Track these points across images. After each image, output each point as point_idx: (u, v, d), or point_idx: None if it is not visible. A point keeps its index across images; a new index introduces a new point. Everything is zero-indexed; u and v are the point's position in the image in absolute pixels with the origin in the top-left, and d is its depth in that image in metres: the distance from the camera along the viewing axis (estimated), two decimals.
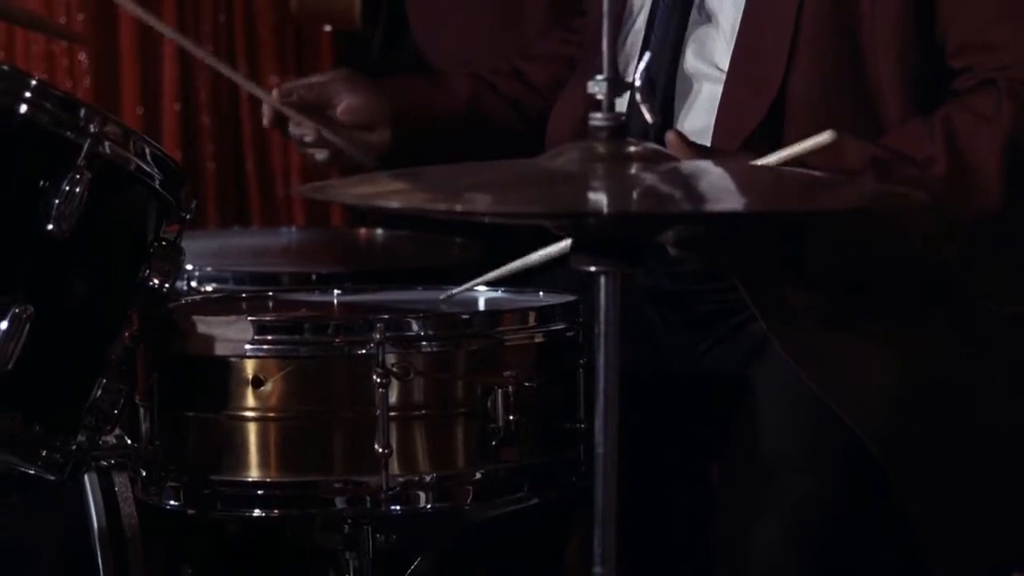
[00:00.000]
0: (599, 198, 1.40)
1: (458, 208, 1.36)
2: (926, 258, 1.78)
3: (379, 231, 2.65)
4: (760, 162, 1.69)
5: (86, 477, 1.97)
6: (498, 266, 1.92)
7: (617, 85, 1.40)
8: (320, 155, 2.21)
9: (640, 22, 1.99)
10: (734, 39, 1.89)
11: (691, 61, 1.92)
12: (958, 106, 1.85)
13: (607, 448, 1.46)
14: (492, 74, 2.27)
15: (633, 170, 1.43)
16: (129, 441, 1.94)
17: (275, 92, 2.27)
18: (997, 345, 1.85)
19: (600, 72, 1.43)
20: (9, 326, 1.60)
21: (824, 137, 1.67)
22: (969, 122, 1.83)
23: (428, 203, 1.42)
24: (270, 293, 2.03)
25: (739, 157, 1.71)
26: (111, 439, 1.92)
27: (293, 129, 2.20)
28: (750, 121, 1.82)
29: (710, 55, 1.93)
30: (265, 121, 2.28)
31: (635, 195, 1.40)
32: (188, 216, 1.79)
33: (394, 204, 1.40)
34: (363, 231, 2.69)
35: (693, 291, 1.95)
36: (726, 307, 1.93)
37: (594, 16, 2.09)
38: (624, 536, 1.45)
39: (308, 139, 2.16)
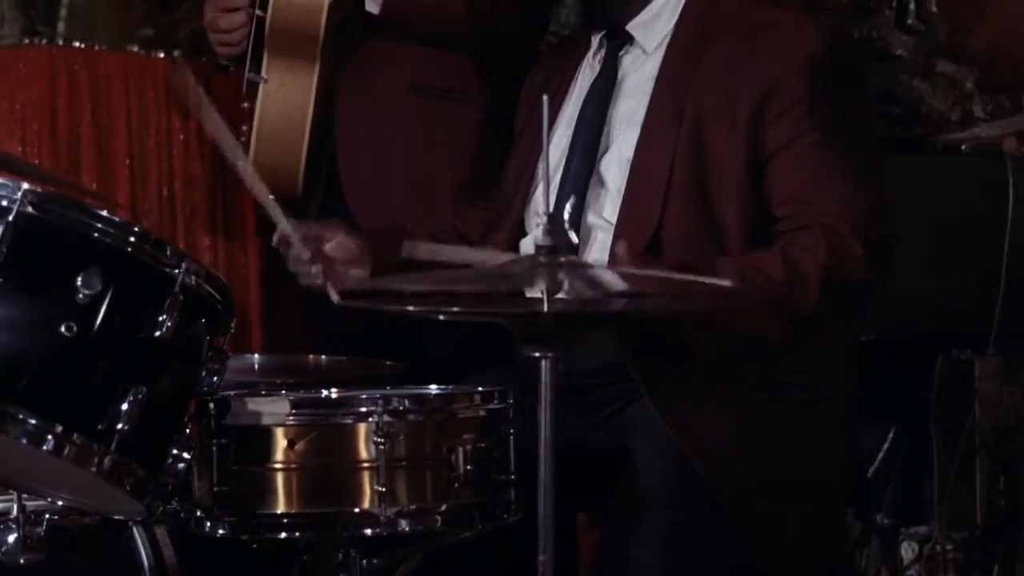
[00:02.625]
0: (541, 286, 2.24)
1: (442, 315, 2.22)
2: (766, 342, 2.65)
3: (323, 357, 3.31)
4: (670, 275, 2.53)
5: (134, 529, 2.74)
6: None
7: (554, 222, 2.24)
8: (308, 279, 2.90)
9: (539, 193, 2.87)
10: (620, 199, 2.75)
11: (590, 216, 2.77)
12: (789, 240, 2.72)
13: (547, 480, 2.29)
14: (440, 232, 3.07)
15: (564, 282, 2.27)
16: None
17: (290, 226, 2.92)
18: (818, 412, 2.74)
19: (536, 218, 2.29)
20: (131, 402, 2.38)
21: (724, 282, 2.51)
22: (798, 252, 2.70)
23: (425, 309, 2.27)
24: (283, 390, 2.82)
25: (660, 266, 2.55)
26: None
27: (294, 250, 2.88)
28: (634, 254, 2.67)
29: (600, 211, 2.79)
30: (274, 241, 2.95)
31: (565, 299, 2.24)
32: (232, 330, 2.58)
33: (410, 308, 2.24)
34: (311, 357, 3.33)
35: (582, 385, 2.77)
36: (606, 398, 2.76)
37: (508, 187, 3.00)
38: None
39: (304, 257, 2.85)
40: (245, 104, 3.60)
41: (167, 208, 4.13)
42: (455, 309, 2.32)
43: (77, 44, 4.34)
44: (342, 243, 2.92)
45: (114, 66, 4.22)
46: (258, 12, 3.52)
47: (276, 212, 2.98)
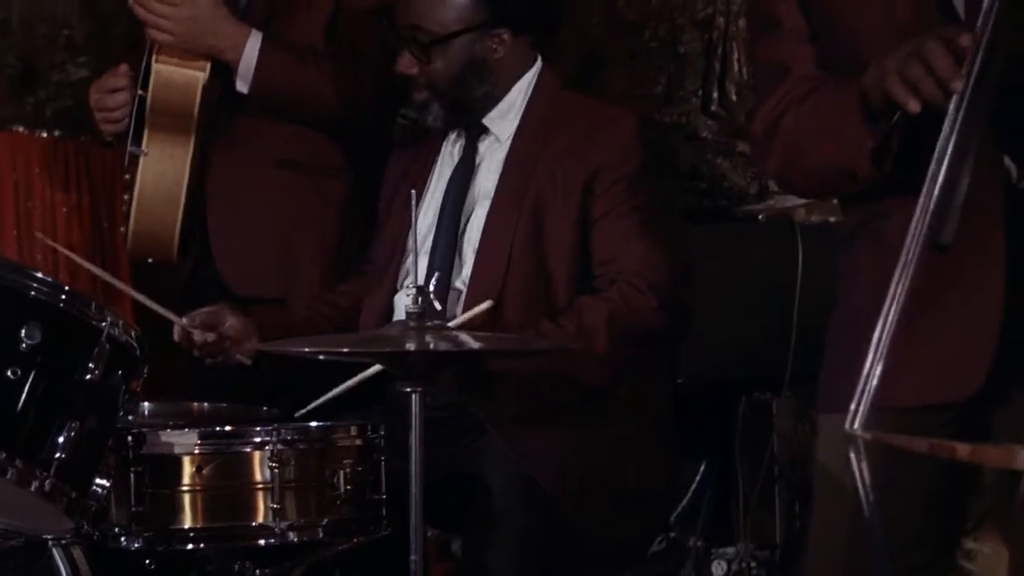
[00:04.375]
0: (411, 345, 2.73)
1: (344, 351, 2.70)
2: (579, 383, 3.16)
3: (206, 404, 3.51)
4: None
5: (54, 551, 3.14)
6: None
7: (422, 293, 2.74)
8: (213, 359, 3.33)
9: (410, 260, 3.31)
10: (472, 266, 3.23)
11: (456, 282, 3.24)
12: (587, 296, 3.19)
13: (417, 493, 2.77)
14: (316, 301, 3.48)
15: (427, 336, 2.77)
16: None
17: (185, 317, 3.30)
18: (640, 439, 3.25)
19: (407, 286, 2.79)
20: (67, 437, 2.80)
21: (484, 305, 3.02)
22: (587, 304, 3.17)
23: (323, 350, 2.75)
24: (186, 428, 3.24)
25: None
26: None
27: (197, 338, 3.28)
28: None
29: (463, 278, 3.26)
30: (176, 337, 3.30)
31: (431, 344, 2.74)
32: (145, 375, 3.01)
33: (306, 349, 2.72)
34: (195, 404, 3.52)
35: (439, 419, 3.24)
36: (460, 431, 3.22)
37: (380, 260, 3.42)
38: None
39: (211, 340, 3.28)
40: (127, 175, 3.77)
41: (51, 273, 4.44)
42: (344, 350, 2.80)
43: None
44: (233, 324, 3.31)
45: (2, 143, 4.52)
46: (140, 92, 3.67)
47: (168, 313, 3.31)
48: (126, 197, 3.76)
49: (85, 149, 4.58)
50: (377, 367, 2.97)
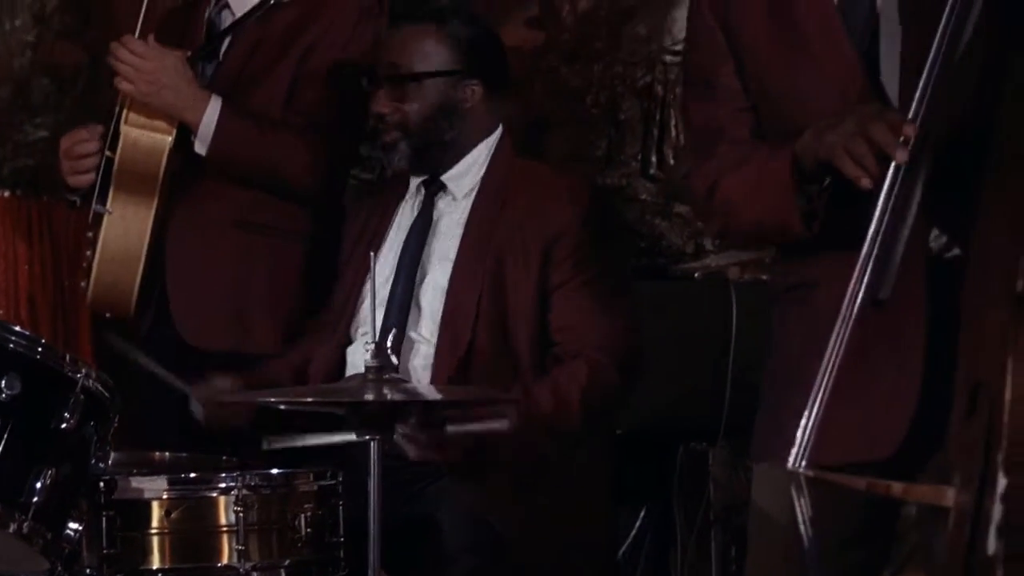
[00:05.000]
0: (370, 396, 2.91)
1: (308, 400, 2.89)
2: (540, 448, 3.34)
3: (167, 453, 3.61)
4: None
5: None
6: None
7: (380, 348, 2.92)
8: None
9: (365, 310, 3.46)
10: (436, 321, 3.37)
11: (411, 333, 3.40)
12: (558, 371, 3.36)
13: (376, 533, 2.95)
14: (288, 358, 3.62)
15: (385, 388, 2.95)
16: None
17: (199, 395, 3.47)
18: (583, 485, 3.44)
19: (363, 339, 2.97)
20: (43, 482, 2.95)
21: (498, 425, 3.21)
22: (564, 382, 3.34)
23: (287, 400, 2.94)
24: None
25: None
26: None
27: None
28: (451, 367, 3.34)
29: (418, 329, 3.42)
30: (203, 416, 3.48)
31: (388, 395, 2.92)
32: (116, 423, 3.17)
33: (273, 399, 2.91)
34: (157, 454, 3.60)
35: (396, 467, 3.41)
36: (414, 478, 3.38)
37: (336, 311, 3.58)
38: None
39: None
40: (90, 233, 3.85)
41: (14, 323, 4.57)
42: (308, 399, 2.98)
43: None
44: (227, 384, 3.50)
45: None
46: (108, 153, 3.76)
47: (183, 385, 3.51)
48: (88, 253, 3.85)
49: (48, 208, 4.73)
50: (350, 435, 3.12)
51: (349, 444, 3.24)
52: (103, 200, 3.79)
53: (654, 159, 4.61)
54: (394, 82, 3.53)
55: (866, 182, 2.44)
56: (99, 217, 3.81)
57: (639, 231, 4.59)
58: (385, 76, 3.55)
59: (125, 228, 3.78)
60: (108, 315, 3.88)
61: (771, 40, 2.71)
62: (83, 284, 3.89)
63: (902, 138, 2.41)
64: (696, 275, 4.43)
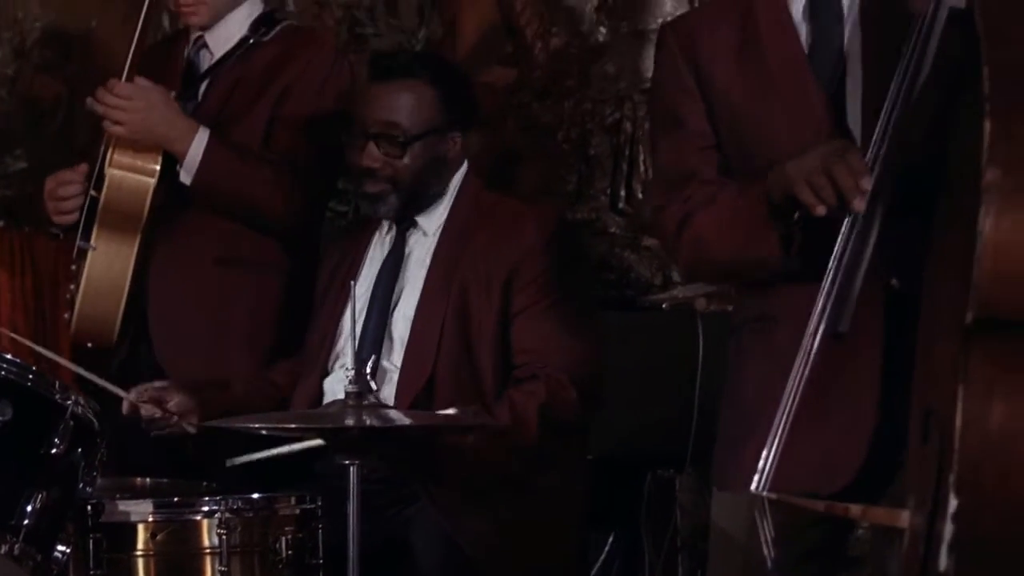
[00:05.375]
0: (350, 422, 3.03)
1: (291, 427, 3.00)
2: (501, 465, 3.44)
3: (148, 480, 3.68)
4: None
5: None
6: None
7: (359, 376, 3.04)
8: (159, 431, 3.57)
9: (341, 342, 3.59)
10: (404, 350, 3.50)
11: (384, 362, 3.51)
12: (516, 388, 3.44)
13: (354, 555, 3.05)
14: (256, 379, 3.71)
15: (364, 414, 3.07)
16: None
17: (132, 392, 3.52)
18: (554, 508, 3.52)
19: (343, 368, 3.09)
20: (34, 505, 3.05)
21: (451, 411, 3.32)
22: (520, 397, 3.43)
23: (270, 426, 3.05)
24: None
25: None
26: None
27: (144, 412, 3.52)
28: (414, 392, 3.45)
29: (391, 358, 3.52)
30: (124, 411, 3.51)
31: (367, 422, 3.04)
32: (104, 451, 3.27)
33: (255, 425, 3.02)
34: (139, 480, 3.66)
35: (372, 491, 3.51)
36: (390, 502, 3.49)
37: (314, 342, 3.67)
38: None
39: (157, 416, 3.53)
40: (73, 266, 3.94)
41: None
42: (292, 426, 3.09)
43: None
44: (178, 401, 3.57)
45: None
46: (93, 192, 3.86)
47: (115, 388, 3.54)
48: (72, 287, 3.95)
49: (30, 239, 4.81)
50: (318, 441, 3.24)
51: (327, 470, 3.38)
52: (87, 236, 3.89)
53: (623, 194, 4.65)
54: (390, 140, 3.61)
55: (821, 210, 2.57)
56: (83, 252, 3.90)
57: (608, 263, 4.64)
58: (379, 134, 3.62)
59: (108, 263, 3.87)
60: (89, 345, 3.96)
61: (742, 83, 2.84)
62: (66, 316, 3.98)
63: (860, 186, 2.54)
64: (664, 306, 4.47)
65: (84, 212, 3.92)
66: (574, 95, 4.71)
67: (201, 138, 3.84)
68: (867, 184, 2.55)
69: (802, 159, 2.62)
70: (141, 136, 3.83)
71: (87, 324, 3.91)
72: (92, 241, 3.88)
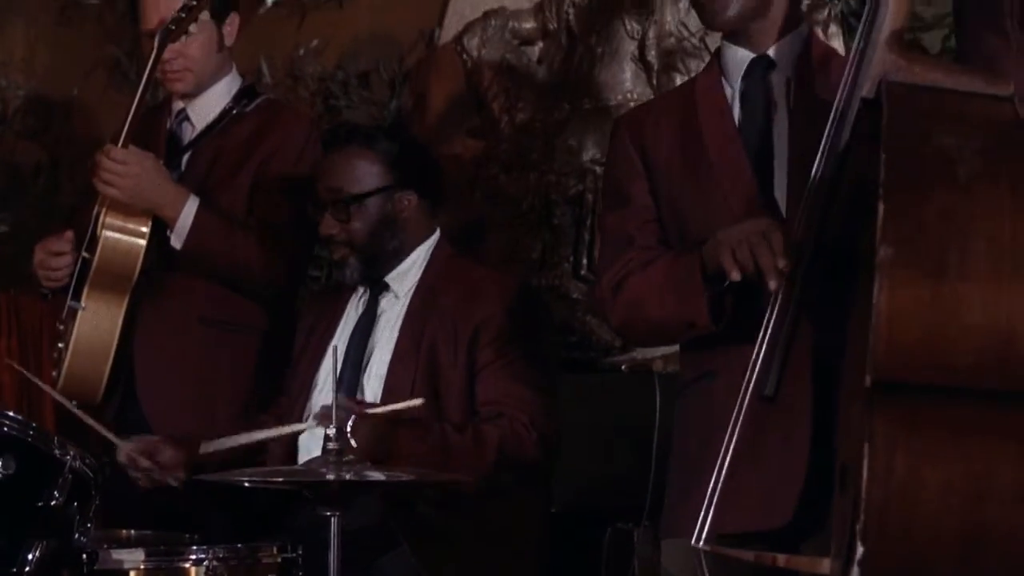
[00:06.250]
0: (331, 476, 3.31)
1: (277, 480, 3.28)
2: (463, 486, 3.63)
3: (132, 531, 3.85)
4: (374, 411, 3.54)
5: None
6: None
7: (340, 432, 3.31)
8: (146, 483, 3.81)
9: (316, 397, 3.88)
10: (382, 386, 3.74)
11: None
12: (481, 421, 3.67)
13: None
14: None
15: (343, 469, 3.34)
16: None
17: (129, 443, 3.72)
18: (518, 553, 3.76)
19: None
20: (34, 554, 3.28)
21: (416, 401, 3.56)
22: (482, 424, 3.66)
23: (257, 480, 3.34)
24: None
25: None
26: None
27: (141, 463, 3.75)
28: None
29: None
30: (120, 458, 3.74)
31: (347, 476, 3.32)
32: (98, 502, 3.52)
33: (244, 480, 3.30)
34: (124, 531, 3.83)
35: (349, 541, 3.77)
36: (366, 551, 3.70)
37: (292, 396, 3.94)
38: None
39: (148, 466, 3.77)
40: (61, 326, 4.14)
41: None
42: (280, 479, 3.35)
43: None
44: (170, 454, 3.82)
45: None
46: (84, 254, 4.06)
47: (113, 437, 3.73)
48: (60, 346, 4.13)
49: (15, 300, 5.09)
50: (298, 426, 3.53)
51: (303, 526, 3.64)
52: (77, 297, 4.08)
53: (585, 261, 4.74)
54: (337, 205, 3.91)
55: (736, 275, 2.87)
56: (73, 312, 4.08)
57: (571, 327, 4.73)
58: (329, 200, 3.92)
59: (97, 323, 4.05)
60: (74, 402, 4.04)
61: (681, 164, 3.18)
62: (54, 373, 4.17)
63: (779, 266, 2.83)
64: (623, 367, 4.61)
65: (75, 274, 4.11)
66: (539, 168, 4.88)
67: (191, 205, 4.06)
68: (784, 265, 2.83)
69: (731, 230, 2.93)
70: (133, 200, 4.05)
71: (75, 382, 4.08)
72: (82, 301, 4.06)
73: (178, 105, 4.34)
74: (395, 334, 3.87)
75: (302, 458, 3.89)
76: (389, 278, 3.96)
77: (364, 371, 3.88)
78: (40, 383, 3.97)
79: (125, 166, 4.03)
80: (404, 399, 3.70)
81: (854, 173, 2.85)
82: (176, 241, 4.06)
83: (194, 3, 4.11)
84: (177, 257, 4.09)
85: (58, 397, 3.91)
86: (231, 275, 4.11)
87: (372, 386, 3.87)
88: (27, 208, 5.84)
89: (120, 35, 5.72)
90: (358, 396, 3.83)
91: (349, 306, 4.01)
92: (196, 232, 4.06)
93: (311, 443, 3.85)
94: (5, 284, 5.32)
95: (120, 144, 4.09)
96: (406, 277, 3.96)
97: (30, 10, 5.98)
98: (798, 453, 2.94)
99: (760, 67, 3.20)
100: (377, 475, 3.32)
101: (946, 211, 2.51)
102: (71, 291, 4.12)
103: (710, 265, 2.99)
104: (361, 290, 4.00)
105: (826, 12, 4.40)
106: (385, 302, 3.96)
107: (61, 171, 5.90)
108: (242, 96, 4.32)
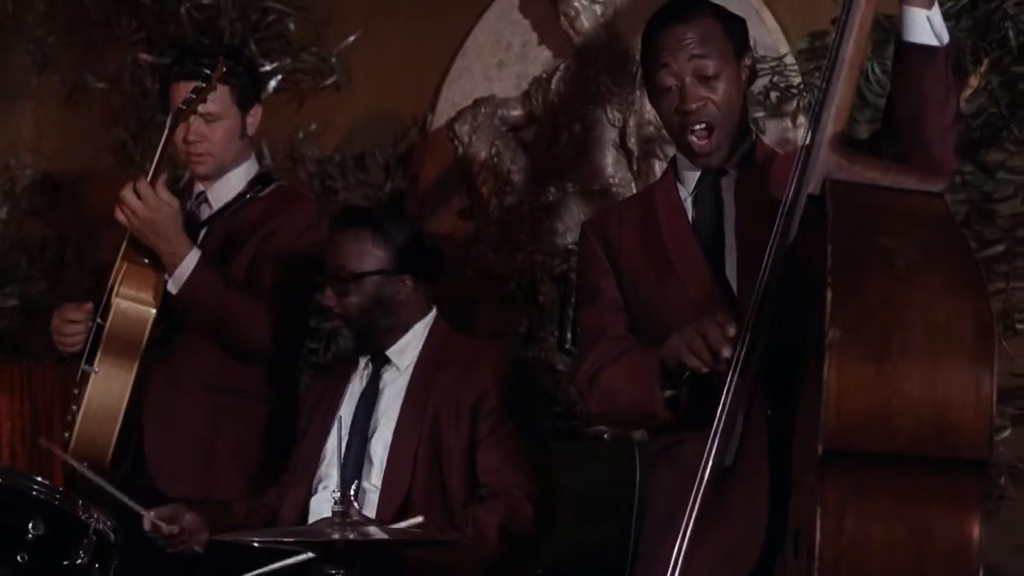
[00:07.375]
0: (336, 536, 3.59)
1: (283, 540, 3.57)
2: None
3: None
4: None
5: None
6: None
7: (345, 497, 3.60)
8: (172, 548, 3.98)
9: (324, 466, 4.13)
10: (383, 472, 3.96)
11: (364, 483, 3.99)
12: (480, 506, 3.90)
13: None
14: (254, 503, 4.16)
15: (348, 530, 3.63)
16: None
17: (152, 513, 3.89)
18: None
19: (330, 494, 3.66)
20: None
21: (416, 520, 3.86)
22: (482, 514, 3.88)
23: (269, 540, 3.63)
24: None
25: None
26: None
27: (164, 530, 3.89)
28: (393, 508, 3.94)
29: (370, 478, 3.99)
30: (146, 527, 3.87)
31: (351, 536, 3.62)
32: (116, 562, 3.79)
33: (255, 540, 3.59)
34: None
35: None
36: None
37: (299, 466, 4.16)
38: None
39: (174, 533, 3.95)
40: (76, 390, 4.31)
41: None
42: (289, 540, 3.59)
43: None
44: (191, 519, 4.02)
45: None
46: (99, 321, 4.25)
47: (138, 507, 3.88)
48: (73, 408, 4.29)
49: (28, 370, 5.33)
50: (308, 554, 3.75)
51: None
52: (91, 361, 4.27)
53: (569, 336, 4.86)
54: (338, 280, 4.16)
55: (704, 368, 3.15)
56: (86, 376, 4.26)
57: (556, 398, 4.86)
58: (331, 276, 4.17)
59: (108, 387, 4.23)
60: (84, 464, 4.23)
61: (644, 259, 3.50)
62: (66, 435, 4.34)
63: (727, 334, 3.08)
64: (605, 436, 4.72)
65: (90, 340, 4.31)
66: (526, 248, 5.00)
67: (193, 256, 4.28)
68: (732, 332, 3.09)
69: (683, 331, 3.21)
70: (141, 232, 4.27)
71: (85, 444, 4.26)
72: (95, 365, 4.25)
73: (199, 188, 4.58)
74: (399, 405, 4.10)
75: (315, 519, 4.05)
76: (390, 352, 4.19)
77: (370, 441, 4.10)
78: (75, 463, 4.11)
79: (143, 204, 4.21)
80: (408, 469, 3.93)
81: (802, 260, 3.09)
82: (173, 287, 4.25)
83: (203, 85, 4.36)
84: (175, 305, 4.27)
85: (88, 473, 4.06)
86: (224, 330, 4.28)
87: (379, 454, 4.07)
88: (34, 283, 6.05)
89: (126, 118, 5.92)
90: (365, 465, 4.04)
91: (353, 379, 4.24)
92: (193, 280, 4.24)
93: (323, 506, 4.05)
94: (16, 355, 5.58)
95: (149, 179, 4.27)
96: (406, 351, 4.18)
97: (39, 92, 6.21)
98: (758, 517, 3.18)
99: (711, 175, 3.53)
100: (380, 535, 3.55)
101: (887, 297, 2.76)
102: (85, 356, 4.31)
103: (670, 362, 3.28)
104: (364, 364, 4.23)
105: (794, 104, 4.58)
106: (387, 375, 4.19)
107: (68, 247, 6.12)
108: (257, 181, 4.57)
